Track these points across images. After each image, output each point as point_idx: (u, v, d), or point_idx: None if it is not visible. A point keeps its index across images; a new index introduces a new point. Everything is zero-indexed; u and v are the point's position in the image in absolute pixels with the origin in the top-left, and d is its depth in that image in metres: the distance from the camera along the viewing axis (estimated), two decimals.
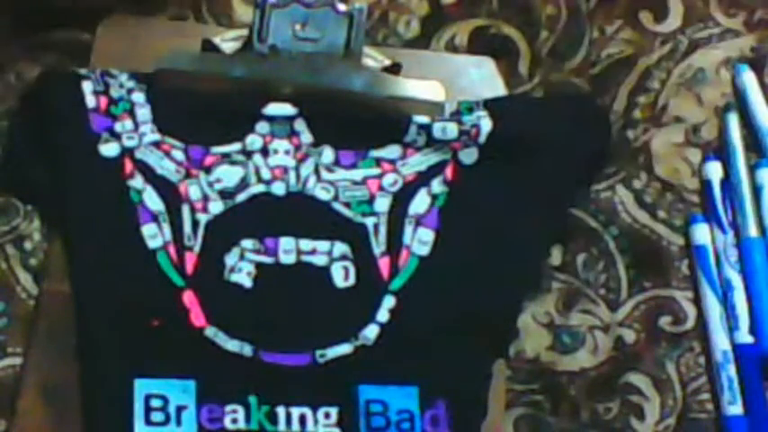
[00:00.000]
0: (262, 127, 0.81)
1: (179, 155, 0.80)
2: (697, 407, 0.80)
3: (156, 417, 0.74)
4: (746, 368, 0.79)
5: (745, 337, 0.80)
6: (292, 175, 0.80)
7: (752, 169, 0.84)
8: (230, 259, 0.78)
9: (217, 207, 0.79)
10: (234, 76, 0.81)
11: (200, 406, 0.74)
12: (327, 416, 0.75)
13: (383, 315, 0.78)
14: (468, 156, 0.82)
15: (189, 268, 0.77)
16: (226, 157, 0.80)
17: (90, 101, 0.80)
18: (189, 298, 0.77)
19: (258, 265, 0.78)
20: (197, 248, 0.78)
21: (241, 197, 0.80)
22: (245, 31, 0.83)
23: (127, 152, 0.79)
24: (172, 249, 0.78)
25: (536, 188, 0.81)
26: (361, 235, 0.79)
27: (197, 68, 0.82)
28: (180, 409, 0.74)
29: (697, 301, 0.82)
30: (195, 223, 0.78)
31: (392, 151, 0.82)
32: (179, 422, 0.74)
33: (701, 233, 0.83)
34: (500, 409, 0.78)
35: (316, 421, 0.75)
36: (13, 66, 0.84)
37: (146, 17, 0.86)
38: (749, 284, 0.81)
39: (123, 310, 0.76)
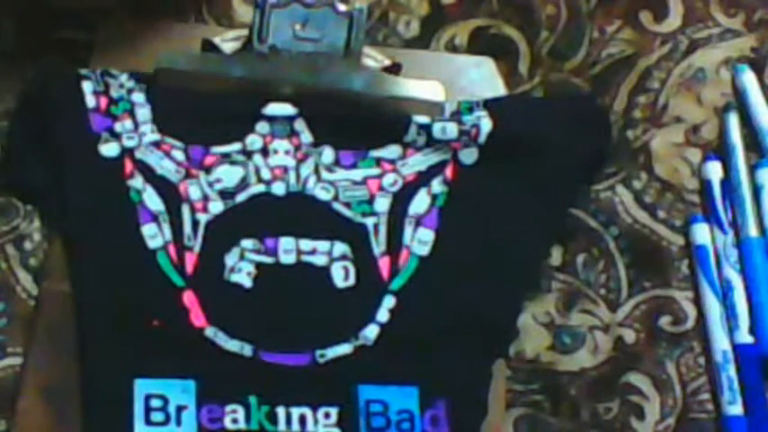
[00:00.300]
0: (262, 127, 0.81)
1: (179, 155, 0.80)
2: (697, 407, 0.80)
3: (156, 417, 0.74)
4: (746, 368, 0.79)
5: (745, 337, 0.80)
6: (292, 175, 0.80)
7: (752, 169, 0.84)
8: (230, 259, 0.78)
9: (217, 207, 0.79)
10: (234, 76, 0.81)
11: (200, 406, 0.74)
12: (327, 416, 0.75)
13: (383, 315, 0.78)
14: (468, 156, 0.82)
15: (189, 268, 0.77)
16: (226, 157, 0.80)
17: (90, 101, 0.80)
18: (189, 298, 0.77)
19: (258, 265, 0.78)
20: (197, 248, 0.78)
21: (241, 197, 0.80)
22: (245, 31, 0.83)
23: (127, 152, 0.79)
24: (172, 249, 0.78)
25: (536, 188, 0.81)
26: (361, 235, 0.79)
27: (197, 68, 0.82)
28: (180, 409, 0.74)
29: (697, 301, 0.82)
30: (195, 223, 0.78)
31: (392, 151, 0.82)
32: (179, 422, 0.74)
33: (701, 233, 0.83)
34: (500, 409, 0.78)
35: (316, 421, 0.75)
36: (13, 66, 0.84)
37: (146, 18, 0.85)
38: (749, 284, 0.81)
39: (123, 310, 0.76)
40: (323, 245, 0.79)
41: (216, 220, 0.79)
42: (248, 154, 0.80)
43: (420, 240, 0.80)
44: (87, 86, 0.80)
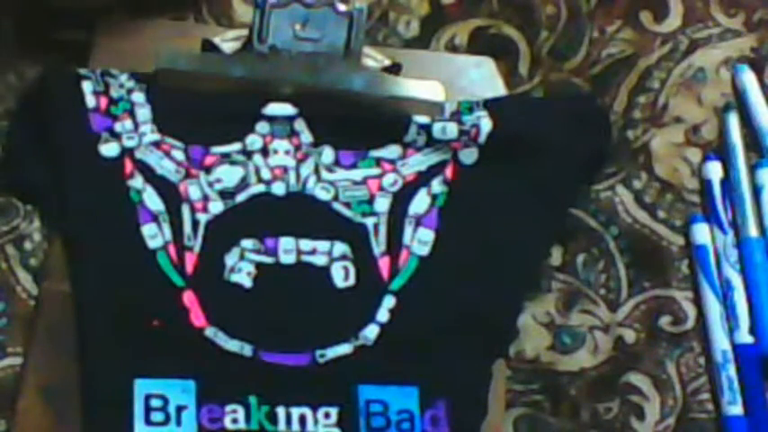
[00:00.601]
0: (262, 127, 0.81)
1: (179, 155, 0.80)
2: (697, 407, 0.80)
3: (156, 417, 0.74)
4: (746, 368, 0.79)
5: (745, 337, 0.80)
6: (292, 175, 0.80)
7: (752, 169, 0.84)
8: (230, 259, 0.78)
9: (217, 207, 0.79)
10: (234, 76, 0.81)
11: (201, 406, 0.74)
12: (327, 416, 0.75)
13: (383, 315, 0.78)
14: (468, 156, 0.82)
15: (189, 268, 0.77)
16: (226, 157, 0.80)
17: (90, 101, 0.80)
18: (189, 298, 0.77)
19: (258, 265, 0.78)
20: (197, 248, 0.78)
21: (241, 197, 0.80)
22: (245, 31, 0.83)
23: (127, 152, 0.79)
24: (172, 249, 0.78)
25: (536, 188, 0.81)
26: (361, 235, 0.79)
27: (197, 68, 0.82)
28: (180, 409, 0.74)
29: (697, 301, 0.82)
30: (195, 223, 0.78)
31: (392, 151, 0.82)
32: (179, 422, 0.74)
33: (701, 233, 0.83)
34: (500, 409, 0.78)
35: (316, 421, 0.75)
36: (13, 66, 0.84)
37: (145, 18, 0.85)
38: (749, 284, 0.81)
39: (123, 310, 0.76)
40: (323, 245, 0.79)
41: (216, 220, 0.79)
42: (248, 154, 0.80)
43: (420, 240, 0.80)
44: (87, 86, 0.80)
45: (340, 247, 0.79)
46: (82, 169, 0.79)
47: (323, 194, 0.80)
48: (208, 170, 0.80)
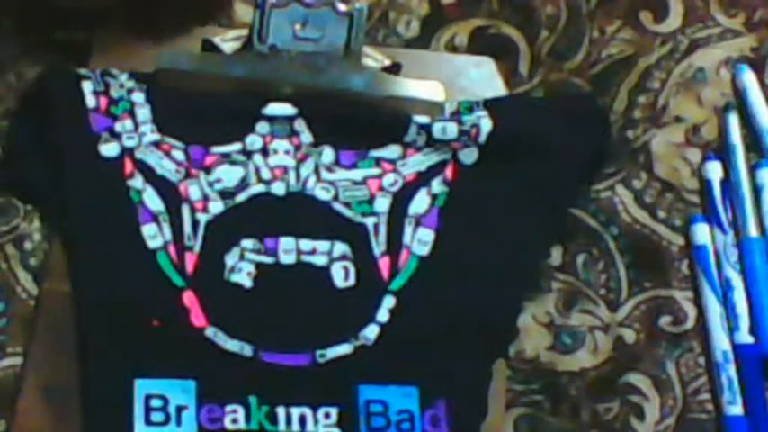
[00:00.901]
0: (262, 127, 0.81)
1: (179, 155, 0.80)
2: (697, 407, 0.80)
3: (156, 417, 0.74)
4: (746, 368, 0.79)
5: (745, 337, 0.80)
6: (292, 175, 0.80)
7: (752, 169, 0.84)
8: (230, 259, 0.78)
9: (217, 207, 0.79)
10: (234, 76, 0.81)
11: (200, 406, 0.74)
12: (327, 416, 0.75)
13: (383, 315, 0.78)
14: (468, 156, 0.82)
15: (189, 268, 0.77)
16: (226, 157, 0.80)
17: (90, 101, 0.80)
18: (189, 298, 0.77)
19: (258, 265, 0.78)
20: (197, 248, 0.78)
21: (241, 197, 0.80)
22: (245, 31, 0.83)
23: (127, 152, 0.79)
24: (172, 249, 0.78)
25: (536, 188, 0.81)
26: (361, 235, 0.79)
27: (197, 68, 0.82)
28: (180, 409, 0.74)
29: (697, 301, 0.82)
30: (195, 223, 0.78)
31: (392, 151, 0.82)
32: (179, 422, 0.74)
33: (701, 233, 0.83)
34: (500, 409, 0.78)
35: (316, 421, 0.75)
36: (13, 66, 0.84)
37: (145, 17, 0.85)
38: (749, 284, 0.81)
39: (123, 310, 0.76)
40: (323, 245, 0.79)
41: (216, 220, 0.79)
42: (248, 154, 0.80)
43: (420, 240, 0.80)
44: (87, 86, 0.80)
45: (340, 247, 0.79)
46: (82, 169, 0.79)
47: (323, 194, 0.80)
48: (208, 170, 0.80)
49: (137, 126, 0.80)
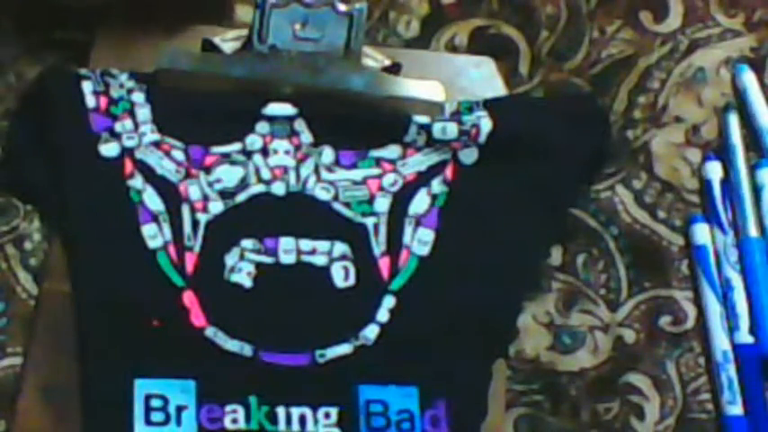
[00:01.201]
0: (262, 127, 0.81)
1: (179, 155, 0.80)
2: (697, 407, 0.80)
3: (156, 417, 0.74)
4: (746, 368, 0.79)
5: (745, 337, 0.80)
6: (292, 175, 0.80)
7: (752, 169, 0.84)
8: (230, 259, 0.78)
9: (217, 207, 0.79)
10: (234, 76, 0.81)
11: (200, 406, 0.74)
12: (327, 416, 0.75)
13: (383, 315, 0.78)
14: (468, 156, 0.82)
15: (189, 268, 0.77)
16: (226, 157, 0.80)
17: (90, 101, 0.80)
18: (189, 298, 0.77)
19: (258, 265, 0.78)
20: (197, 248, 0.78)
21: (241, 197, 0.80)
22: (245, 31, 0.83)
23: (127, 152, 0.79)
24: (172, 249, 0.78)
25: (536, 188, 0.81)
26: (361, 235, 0.79)
27: (197, 68, 0.82)
28: (180, 409, 0.74)
29: (697, 301, 0.82)
30: (195, 223, 0.78)
31: (392, 151, 0.82)
32: (179, 422, 0.74)
33: (701, 233, 0.83)
34: (500, 409, 0.78)
35: (316, 421, 0.75)
36: (13, 66, 0.84)
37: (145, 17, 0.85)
38: (749, 284, 0.81)
39: (123, 310, 0.76)
40: (323, 245, 0.79)
41: (216, 220, 0.79)
42: (248, 154, 0.80)
43: (420, 240, 0.80)
44: (87, 86, 0.80)
45: (340, 247, 0.79)
46: (82, 169, 0.79)
47: (323, 194, 0.80)
48: (208, 170, 0.80)
49: (137, 126, 0.80)
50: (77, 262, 0.77)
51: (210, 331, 0.76)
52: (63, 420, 0.75)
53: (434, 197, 0.81)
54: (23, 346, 0.77)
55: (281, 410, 0.75)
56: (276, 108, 0.81)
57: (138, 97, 0.81)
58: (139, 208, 0.78)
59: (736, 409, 0.78)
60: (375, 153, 0.82)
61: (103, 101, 0.80)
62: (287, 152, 0.81)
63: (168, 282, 0.77)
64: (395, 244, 0.79)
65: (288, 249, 0.78)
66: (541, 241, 0.82)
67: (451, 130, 0.81)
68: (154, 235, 0.78)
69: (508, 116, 0.82)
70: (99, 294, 0.76)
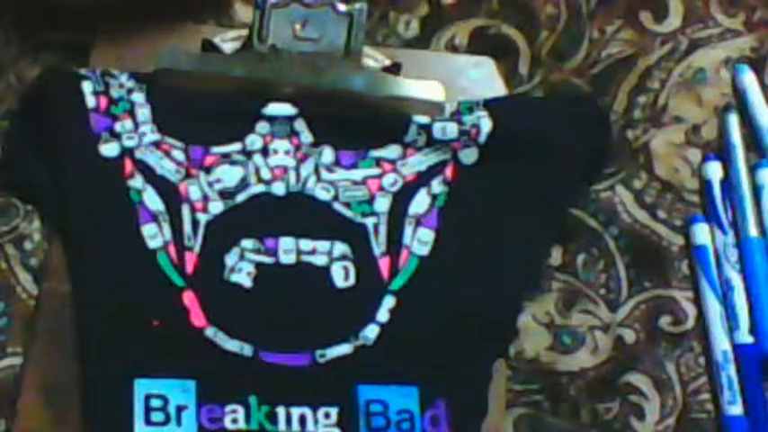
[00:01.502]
0: (262, 127, 0.81)
1: (179, 155, 0.80)
2: (697, 407, 0.80)
3: (156, 417, 0.74)
4: (746, 368, 0.79)
5: (745, 337, 0.80)
6: (292, 175, 0.80)
7: (752, 169, 0.84)
8: (230, 259, 0.78)
9: (217, 207, 0.79)
10: (234, 76, 0.81)
11: (200, 406, 0.74)
12: (327, 416, 0.75)
13: (383, 315, 0.78)
14: (468, 156, 0.82)
15: (189, 268, 0.77)
16: (226, 157, 0.80)
17: (90, 101, 0.80)
18: (189, 298, 0.77)
19: (258, 265, 0.78)
20: (197, 248, 0.78)
21: (241, 197, 0.80)
22: (245, 31, 0.83)
23: (127, 152, 0.79)
24: (172, 249, 0.78)
25: (536, 188, 0.81)
26: (361, 235, 0.79)
27: (197, 68, 0.82)
28: (180, 409, 0.74)
29: (697, 301, 0.82)
30: (195, 223, 0.79)
31: (392, 151, 0.82)
32: (179, 422, 0.74)
33: (701, 233, 0.83)
34: (500, 409, 0.78)
35: (316, 421, 0.75)
36: (13, 66, 0.84)
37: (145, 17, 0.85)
38: (749, 284, 0.81)
39: (123, 309, 0.76)
40: (323, 245, 0.79)
41: (216, 220, 0.79)
42: (248, 154, 0.80)
43: (420, 240, 0.80)
44: (87, 86, 0.80)
45: (340, 247, 0.79)
46: (82, 169, 0.79)
47: (323, 194, 0.80)
48: (208, 170, 0.80)
49: (137, 126, 0.80)
50: (77, 262, 0.77)
51: (210, 331, 0.76)
52: (63, 420, 0.75)
53: (434, 197, 0.81)
54: (23, 346, 0.77)
55: (281, 410, 0.75)
56: (276, 108, 0.81)
57: (138, 97, 0.81)
58: (139, 208, 0.78)
59: (736, 409, 0.78)
60: (375, 153, 0.82)
61: (103, 101, 0.80)
62: (287, 152, 0.81)
63: (168, 282, 0.77)
64: (395, 244, 0.79)
65: (288, 249, 0.78)
66: (541, 241, 0.82)
67: (451, 130, 0.81)
68: (154, 235, 0.78)
69: (508, 116, 0.82)
70: (99, 294, 0.76)
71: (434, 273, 0.79)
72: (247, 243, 0.78)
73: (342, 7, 0.82)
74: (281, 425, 0.75)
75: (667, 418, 0.79)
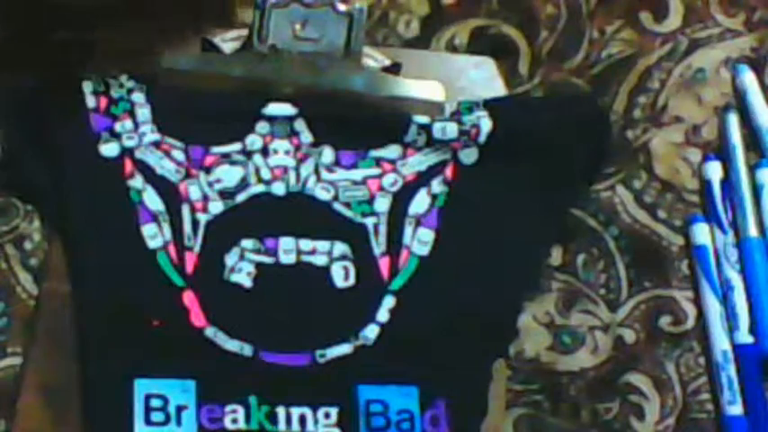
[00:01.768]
0: (262, 127, 0.81)
1: (179, 155, 0.80)
2: (697, 407, 0.80)
3: (156, 417, 0.74)
4: (746, 368, 0.79)
5: (745, 337, 0.80)
6: (292, 175, 0.80)
7: (752, 169, 0.84)
8: (230, 259, 0.78)
9: (217, 207, 0.79)
10: (234, 76, 0.81)
11: (200, 406, 0.74)
12: (327, 416, 0.75)
13: (383, 315, 0.78)
14: (468, 156, 0.82)
15: (189, 268, 0.77)
16: (226, 157, 0.80)
17: (90, 101, 0.80)
18: (189, 298, 0.77)
19: (258, 265, 0.78)
20: (197, 248, 0.78)
21: (241, 197, 0.80)
22: (245, 31, 0.83)
23: (127, 152, 0.79)
24: (172, 249, 0.78)
25: (536, 188, 0.81)
26: (361, 235, 0.79)
27: (197, 68, 0.82)
28: (180, 409, 0.74)
29: (697, 301, 0.82)
30: (195, 223, 0.79)
31: (392, 151, 0.82)
32: (179, 422, 0.74)
33: (701, 233, 0.83)
34: (500, 409, 0.78)
35: (316, 421, 0.75)
36: (13, 66, 0.84)
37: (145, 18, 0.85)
38: (749, 284, 0.81)
39: (123, 310, 0.76)
40: (323, 245, 0.79)
41: (216, 220, 0.79)
42: (248, 154, 0.80)
43: (420, 240, 0.80)
44: (87, 86, 0.80)
45: (340, 247, 0.79)
46: (82, 169, 0.79)
47: (323, 194, 0.80)
48: (208, 170, 0.80)
49: (137, 126, 0.80)
50: (77, 262, 0.77)
51: (210, 331, 0.76)
52: (63, 420, 0.75)
53: (434, 197, 0.81)
54: (23, 346, 0.77)
55: (281, 410, 0.75)
56: (276, 108, 0.81)
57: (138, 97, 0.81)
58: (139, 208, 0.78)
59: (736, 409, 0.78)
60: (375, 153, 0.82)
61: (103, 101, 0.80)
62: (287, 152, 0.81)
63: (168, 282, 0.77)
64: (395, 244, 0.79)
65: (288, 249, 0.78)
66: (541, 241, 0.82)
67: (451, 130, 0.81)
68: (154, 235, 0.78)
69: (508, 116, 0.82)
70: (99, 294, 0.76)
71: (434, 273, 0.79)
72: (247, 243, 0.78)
73: (342, 7, 0.82)
74: (281, 425, 0.75)
75: (667, 418, 0.79)
